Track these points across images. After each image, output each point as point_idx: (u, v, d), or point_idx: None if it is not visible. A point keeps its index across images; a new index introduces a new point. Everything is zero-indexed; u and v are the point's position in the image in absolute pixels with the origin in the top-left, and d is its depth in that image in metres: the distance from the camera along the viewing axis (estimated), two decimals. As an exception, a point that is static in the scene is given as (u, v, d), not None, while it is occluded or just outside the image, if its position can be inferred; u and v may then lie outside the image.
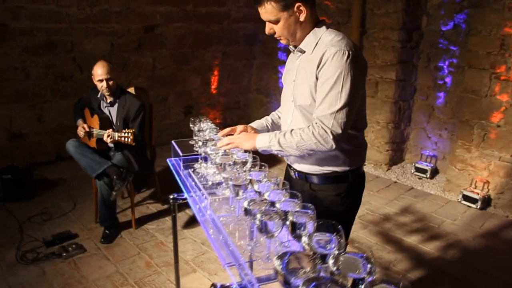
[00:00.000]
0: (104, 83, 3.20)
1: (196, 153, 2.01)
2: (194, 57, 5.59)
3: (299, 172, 1.84)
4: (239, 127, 1.91)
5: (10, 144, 4.36)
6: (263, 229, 1.23)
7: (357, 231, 3.47)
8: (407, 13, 4.31)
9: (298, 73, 1.74)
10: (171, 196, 1.96)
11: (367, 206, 3.94)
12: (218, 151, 1.79)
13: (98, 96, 3.35)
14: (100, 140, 3.25)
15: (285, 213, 1.24)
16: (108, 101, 3.34)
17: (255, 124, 2.01)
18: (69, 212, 3.73)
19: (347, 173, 1.75)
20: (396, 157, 4.86)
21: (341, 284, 0.89)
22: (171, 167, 2.18)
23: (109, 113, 3.39)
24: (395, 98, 4.57)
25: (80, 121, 3.37)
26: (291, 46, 1.76)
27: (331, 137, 1.56)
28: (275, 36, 1.71)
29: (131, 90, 3.67)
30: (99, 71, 3.19)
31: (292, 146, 1.63)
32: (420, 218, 3.73)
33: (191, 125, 2.31)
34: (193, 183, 1.89)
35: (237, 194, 1.50)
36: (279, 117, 2.03)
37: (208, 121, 2.37)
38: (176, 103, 5.71)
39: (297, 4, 1.59)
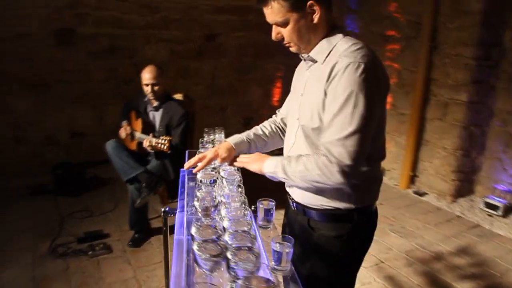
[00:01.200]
0: (149, 88, 3.24)
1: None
2: (256, 68, 5.52)
3: (297, 203, 1.56)
4: (209, 154, 1.62)
5: (71, 141, 4.62)
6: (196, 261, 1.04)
7: (400, 268, 3.07)
8: (485, 27, 3.80)
9: (306, 86, 1.48)
10: (162, 209, 1.85)
11: (419, 240, 3.50)
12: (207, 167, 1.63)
13: (145, 99, 3.40)
14: (140, 143, 3.28)
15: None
16: (154, 105, 3.37)
17: (235, 140, 1.70)
18: (108, 212, 3.82)
19: (351, 212, 1.46)
20: (463, 189, 4.29)
21: None
22: (180, 178, 2.07)
23: (153, 117, 3.41)
24: (465, 122, 4.04)
25: (124, 123, 3.43)
26: (302, 55, 1.50)
27: (337, 168, 1.27)
28: (284, 42, 1.45)
29: (180, 96, 3.67)
30: (146, 75, 3.24)
31: (296, 175, 1.38)
32: (480, 262, 3.21)
33: (204, 135, 2.20)
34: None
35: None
36: (266, 133, 1.79)
37: (222, 133, 2.24)
38: (235, 113, 5.66)
39: (309, 3, 1.33)
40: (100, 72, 4.55)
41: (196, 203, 1.32)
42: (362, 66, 1.26)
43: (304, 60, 1.51)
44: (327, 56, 1.38)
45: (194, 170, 1.62)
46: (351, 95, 1.26)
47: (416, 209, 4.14)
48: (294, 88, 1.64)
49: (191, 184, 1.85)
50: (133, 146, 3.39)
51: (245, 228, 1.14)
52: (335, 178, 1.29)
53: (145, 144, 3.11)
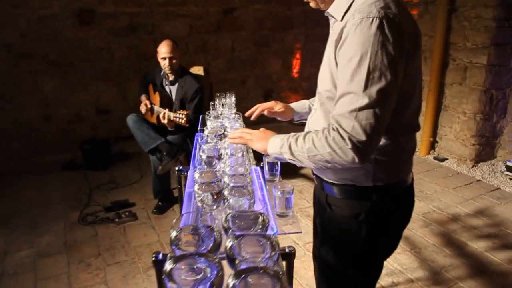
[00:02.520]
0: (167, 61, 3.33)
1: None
2: (274, 40, 5.53)
3: (317, 176, 1.41)
4: (267, 104, 1.71)
5: (97, 118, 4.81)
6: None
7: (416, 229, 3.12)
8: (505, -15, 3.70)
9: (327, 48, 1.29)
10: (177, 168, 1.96)
11: (437, 203, 3.52)
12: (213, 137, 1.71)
13: (162, 74, 3.50)
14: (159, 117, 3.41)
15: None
16: (170, 79, 3.47)
17: (296, 104, 1.68)
18: (134, 183, 4.01)
19: (369, 190, 1.26)
20: (484, 153, 4.25)
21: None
22: (195, 142, 2.19)
23: (170, 91, 3.52)
24: (485, 85, 3.97)
25: (143, 97, 3.56)
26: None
27: (350, 145, 1.07)
28: None
29: (198, 69, 3.76)
30: (163, 49, 3.33)
31: (303, 155, 1.18)
32: (496, 223, 3.22)
33: (215, 99, 2.29)
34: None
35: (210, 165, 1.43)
36: None
37: (233, 96, 2.32)
38: (255, 85, 5.72)
39: None
40: (121, 50, 4.68)
41: (202, 154, 1.42)
42: (377, 22, 1.05)
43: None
44: (345, 13, 1.18)
45: (253, 118, 1.72)
46: (363, 58, 1.06)
47: (435, 173, 4.14)
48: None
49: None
50: (153, 119, 3.52)
51: (243, 170, 1.23)
52: (348, 157, 1.09)
53: (163, 119, 3.23)
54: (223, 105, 2.20)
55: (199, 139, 1.89)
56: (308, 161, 1.18)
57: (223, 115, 2.02)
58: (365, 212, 1.28)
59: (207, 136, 1.60)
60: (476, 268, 2.67)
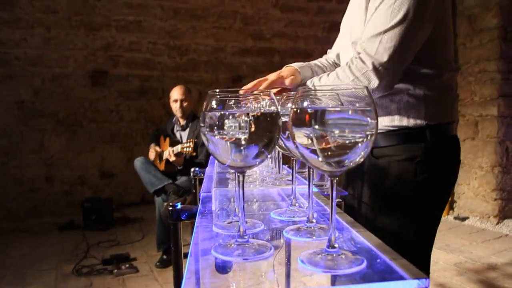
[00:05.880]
0: (178, 104, 3.34)
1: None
2: (280, 111, 5.62)
3: None
4: (270, 76, 1.23)
5: (100, 181, 4.65)
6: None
7: (451, 277, 2.79)
8: (505, 41, 3.85)
9: (353, 4, 1.30)
10: (192, 169, 1.78)
11: (467, 254, 3.21)
12: None
13: (173, 120, 3.49)
14: (168, 162, 3.29)
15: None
16: (181, 124, 3.44)
17: (298, 64, 1.35)
18: (136, 241, 3.71)
19: (423, 130, 1.17)
20: (508, 209, 4.01)
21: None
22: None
23: (180, 137, 3.46)
24: (499, 136, 3.91)
25: (152, 145, 3.48)
26: None
27: (371, 67, 1.05)
28: None
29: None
30: (175, 92, 3.38)
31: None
32: (539, 269, 2.89)
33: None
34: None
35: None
36: (324, 65, 1.45)
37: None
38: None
39: None
40: (130, 113, 4.71)
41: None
42: None
43: None
44: None
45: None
46: None
47: (459, 230, 3.87)
48: (344, 21, 1.41)
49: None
50: (161, 166, 3.39)
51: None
52: (371, 82, 1.06)
53: (169, 156, 3.13)
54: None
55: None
56: None
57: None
58: (421, 154, 1.18)
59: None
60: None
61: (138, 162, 3.30)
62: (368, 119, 0.52)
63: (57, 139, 4.39)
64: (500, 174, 3.94)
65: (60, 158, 4.43)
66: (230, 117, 0.56)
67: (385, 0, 1.08)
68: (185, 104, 3.33)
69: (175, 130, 3.48)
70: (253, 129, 0.56)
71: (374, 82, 1.06)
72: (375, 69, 1.06)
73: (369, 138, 0.52)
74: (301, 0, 5.36)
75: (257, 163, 0.58)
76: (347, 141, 0.51)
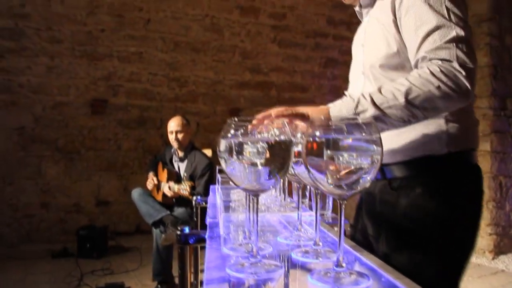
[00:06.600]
0: (173, 135, 3.37)
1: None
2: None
3: None
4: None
5: (95, 209, 4.63)
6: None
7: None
8: (496, 79, 3.99)
9: (368, 29, 1.22)
10: (194, 198, 1.82)
11: (463, 290, 3.21)
12: None
13: (172, 150, 3.51)
14: (166, 194, 3.31)
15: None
16: (179, 155, 3.47)
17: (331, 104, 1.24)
18: (131, 270, 3.67)
19: (447, 158, 1.08)
20: (503, 245, 4.04)
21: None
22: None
23: (178, 168, 3.49)
24: (493, 172, 3.99)
25: (151, 174, 3.50)
26: (356, 8, 1.31)
27: (459, 69, 0.94)
28: None
29: (208, 151, 3.78)
30: (172, 124, 3.41)
31: (397, 102, 0.95)
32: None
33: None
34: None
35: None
36: None
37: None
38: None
39: None
40: (128, 142, 4.75)
41: None
42: None
43: (360, 16, 1.31)
44: None
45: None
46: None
47: (455, 266, 3.86)
48: (354, 52, 1.35)
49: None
50: (159, 197, 3.40)
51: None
52: (462, 87, 0.94)
53: (167, 189, 3.17)
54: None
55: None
56: (401, 111, 0.95)
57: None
58: (444, 186, 1.08)
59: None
60: None
61: (136, 193, 3.32)
62: (374, 146, 0.57)
63: (54, 166, 4.41)
64: (495, 209, 3.99)
65: (57, 185, 4.42)
66: (249, 143, 0.61)
67: (431, 10, 1.01)
68: (180, 135, 3.36)
69: (173, 161, 3.51)
70: (268, 155, 0.61)
71: (467, 87, 0.95)
72: (466, 73, 0.95)
73: (375, 163, 0.57)
74: (298, 36, 5.52)
75: (271, 186, 0.63)
76: (355, 166, 0.56)
